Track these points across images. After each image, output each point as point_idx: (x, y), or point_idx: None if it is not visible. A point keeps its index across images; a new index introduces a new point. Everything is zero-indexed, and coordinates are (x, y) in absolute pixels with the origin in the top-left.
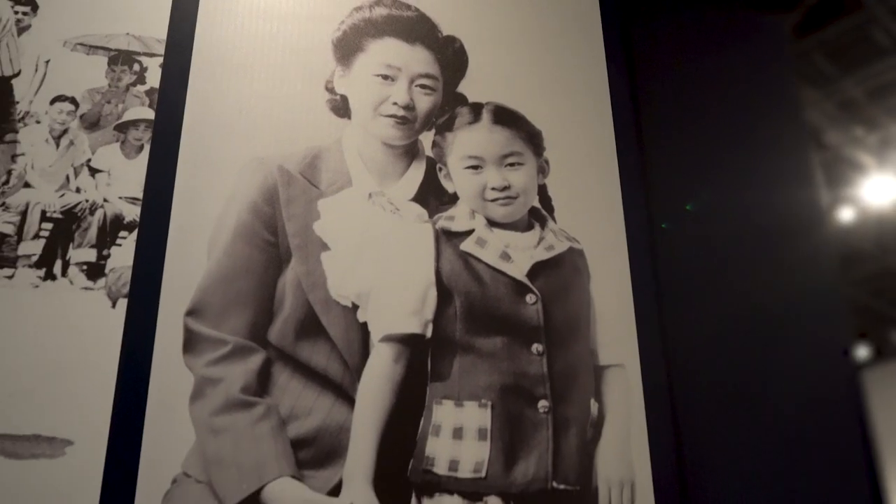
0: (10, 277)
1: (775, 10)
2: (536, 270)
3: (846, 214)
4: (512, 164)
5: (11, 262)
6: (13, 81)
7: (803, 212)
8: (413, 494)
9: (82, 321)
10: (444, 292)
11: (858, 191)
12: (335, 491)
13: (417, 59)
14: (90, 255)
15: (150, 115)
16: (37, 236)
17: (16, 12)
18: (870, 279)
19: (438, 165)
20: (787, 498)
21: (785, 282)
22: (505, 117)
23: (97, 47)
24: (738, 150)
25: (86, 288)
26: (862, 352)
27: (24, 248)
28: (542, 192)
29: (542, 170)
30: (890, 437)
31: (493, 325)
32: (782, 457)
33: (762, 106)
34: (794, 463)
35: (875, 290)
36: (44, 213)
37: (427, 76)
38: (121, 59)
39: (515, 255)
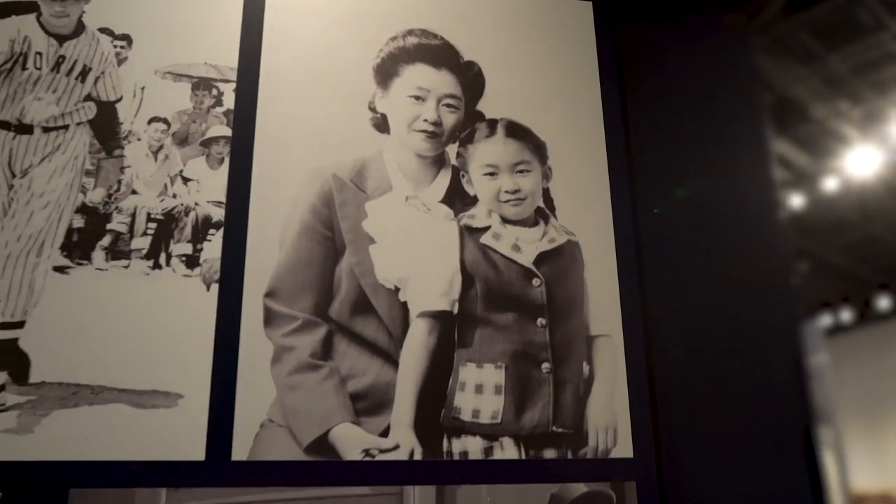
0: (126, 267)
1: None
2: (541, 259)
3: (830, 184)
4: (521, 171)
5: (126, 255)
6: (117, 106)
7: (761, 202)
8: (444, 436)
9: (184, 302)
10: (467, 277)
11: (842, 162)
12: (384, 433)
13: (443, 82)
14: (187, 248)
15: (227, 132)
16: (144, 234)
17: (115, 46)
18: (853, 246)
19: (461, 172)
20: (736, 429)
21: (745, 264)
22: (516, 131)
23: (182, 75)
24: (709, 155)
25: (185, 275)
26: (845, 315)
27: (135, 244)
28: (546, 194)
29: (546, 175)
30: (874, 396)
31: (506, 303)
32: (734, 404)
33: (730, 116)
34: (744, 406)
35: (858, 256)
36: (149, 214)
37: (452, 96)
38: (202, 85)
39: (524, 246)
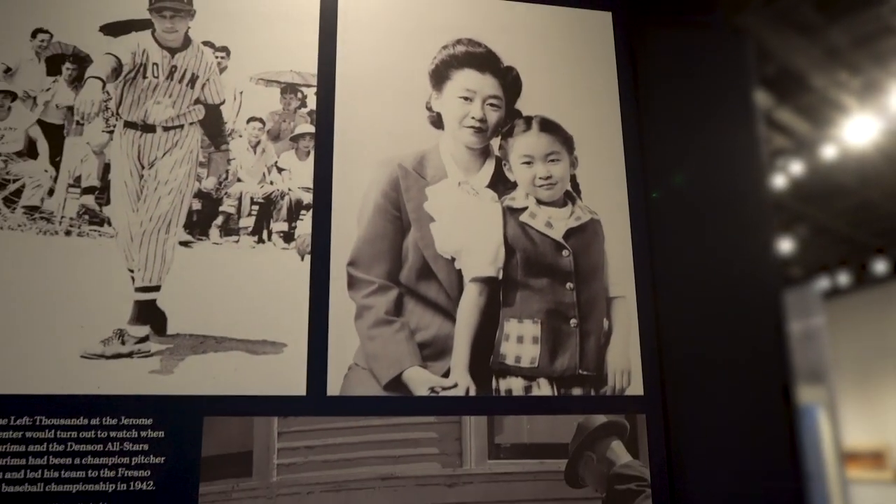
0: (237, 242)
1: None
2: (569, 234)
3: (829, 152)
4: (553, 160)
5: (236, 232)
6: (221, 108)
7: (750, 184)
8: (493, 377)
9: (283, 270)
10: (509, 249)
11: (841, 130)
12: (446, 375)
13: (487, 85)
14: (284, 226)
15: (311, 129)
16: (249, 214)
17: (216, 56)
18: (851, 211)
19: (503, 162)
20: (728, 374)
21: (737, 237)
22: (548, 126)
23: (272, 81)
24: (708, 145)
25: (283, 248)
26: (843, 278)
27: (242, 223)
28: (573, 179)
29: (573, 164)
30: (870, 356)
31: (541, 270)
32: (726, 355)
33: (726, 111)
34: (734, 358)
35: (855, 221)
36: (252, 198)
37: (494, 97)
38: (289, 89)
39: (555, 223)
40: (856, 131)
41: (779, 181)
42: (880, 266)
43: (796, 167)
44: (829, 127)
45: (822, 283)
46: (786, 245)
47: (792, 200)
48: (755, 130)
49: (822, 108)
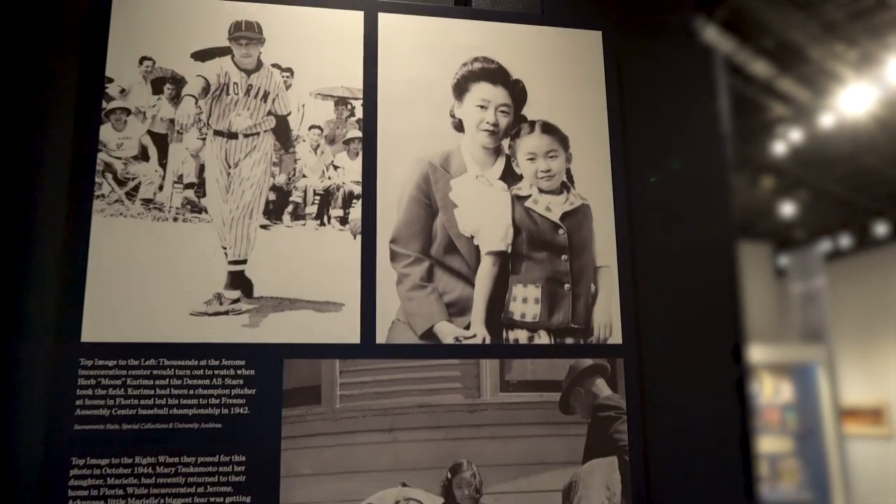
0: (304, 225)
1: None
2: (564, 216)
3: (827, 120)
4: (552, 157)
5: (303, 217)
6: (288, 118)
7: (715, 172)
8: (503, 329)
9: (340, 247)
10: (517, 229)
11: (837, 100)
12: (467, 327)
13: (499, 95)
14: (340, 212)
15: (359, 134)
16: (312, 203)
17: (283, 76)
18: (849, 177)
19: (512, 158)
20: (692, 329)
21: (703, 215)
22: (548, 128)
23: (328, 95)
24: (681, 142)
25: (340, 230)
26: (844, 241)
27: (307, 210)
28: (568, 172)
29: (569, 159)
30: (870, 317)
31: (541, 245)
32: (691, 312)
33: (697, 113)
34: (698, 315)
35: (854, 186)
36: (314, 191)
37: (505, 105)
38: (340, 102)
39: (553, 208)
40: (852, 101)
41: (779, 148)
42: (881, 229)
43: (795, 135)
44: (826, 97)
45: (825, 245)
46: (787, 209)
47: (792, 166)
48: (720, 128)
49: (820, 78)
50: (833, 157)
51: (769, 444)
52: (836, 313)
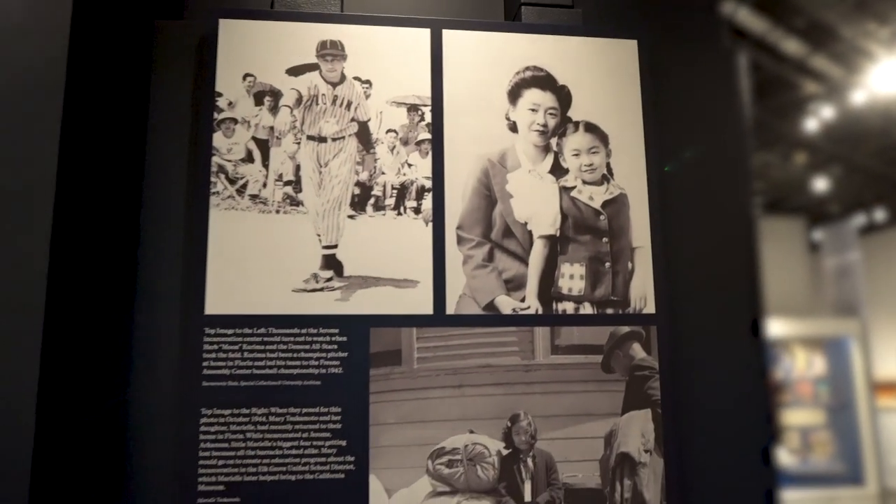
0: (384, 215)
1: None
2: (605, 204)
3: (859, 97)
4: (594, 152)
5: (383, 209)
6: (368, 124)
7: (737, 163)
8: (553, 301)
9: (414, 233)
10: (564, 215)
11: (869, 77)
12: (522, 300)
13: (547, 99)
14: (414, 204)
15: (428, 136)
16: (390, 196)
17: (363, 87)
18: (882, 151)
19: (559, 155)
20: (718, 301)
21: (725, 198)
22: (590, 128)
23: (402, 103)
24: (709, 135)
25: (414, 218)
26: (879, 215)
27: (386, 202)
28: (608, 166)
29: (608, 154)
30: None
31: (585, 230)
32: (718, 286)
33: (723, 111)
34: (723, 290)
35: (888, 160)
36: (392, 186)
37: (553, 108)
38: (412, 108)
39: (595, 197)
40: (884, 77)
41: (811, 124)
42: None
43: (827, 111)
44: (858, 74)
45: (859, 219)
46: (820, 184)
47: (825, 142)
48: (743, 125)
49: (852, 56)
50: (865, 132)
51: (801, 416)
52: (870, 287)
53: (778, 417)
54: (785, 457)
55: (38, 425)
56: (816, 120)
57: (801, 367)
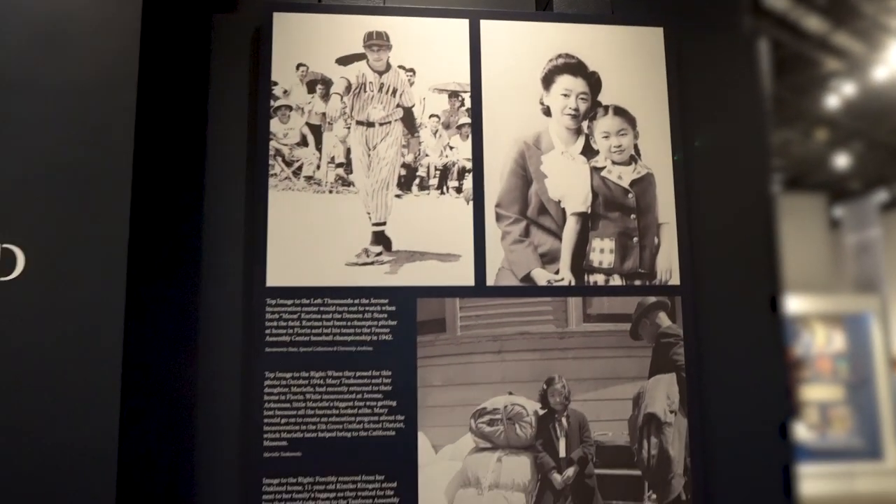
0: (428, 194)
1: None
2: (633, 183)
3: (880, 73)
4: (622, 134)
5: (427, 188)
6: (413, 109)
7: (757, 147)
8: (585, 274)
9: (456, 211)
10: (595, 194)
11: (890, 53)
12: (557, 272)
13: (579, 85)
14: (456, 183)
15: (468, 120)
16: (434, 177)
17: (407, 75)
18: None
19: (590, 137)
20: (737, 273)
21: (745, 176)
22: (619, 111)
23: (443, 89)
24: (730, 116)
25: (456, 197)
26: None
27: (430, 182)
28: (636, 147)
29: (636, 136)
30: None
31: (614, 207)
32: (738, 260)
33: (744, 94)
34: (743, 264)
35: None
36: (435, 167)
37: (584, 94)
38: (453, 95)
39: (624, 177)
40: None
41: (832, 101)
42: None
43: (848, 88)
44: (880, 50)
45: (880, 195)
46: (841, 160)
47: (846, 119)
48: (763, 107)
49: (874, 32)
50: (886, 108)
51: (820, 392)
52: (890, 263)
53: (796, 392)
54: (803, 431)
55: (123, 381)
56: (837, 96)
57: (820, 344)
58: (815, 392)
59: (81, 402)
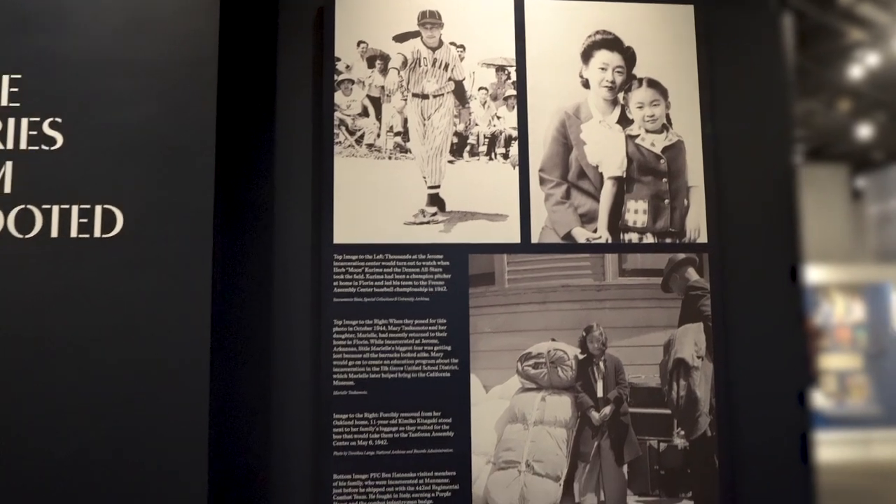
0: (478, 160)
1: None
2: (665, 150)
3: None
4: (655, 105)
5: (477, 154)
6: (463, 82)
7: (782, 114)
8: (620, 232)
9: (504, 175)
10: (629, 160)
11: None
12: (594, 231)
13: (615, 59)
14: (503, 150)
15: (514, 92)
16: (483, 144)
17: (458, 51)
18: None
19: (625, 107)
20: (762, 236)
21: (770, 143)
22: (652, 84)
23: (491, 64)
24: (758, 91)
25: (503, 163)
26: None
27: (480, 149)
28: (667, 117)
29: (668, 107)
30: None
31: (648, 172)
32: (763, 219)
33: (769, 66)
34: (766, 229)
35: None
36: (484, 135)
37: (620, 67)
38: (500, 69)
39: (657, 144)
40: None
41: (855, 71)
42: None
43: (872, 58)
44: None
45: None
46: (864, 131)
47: (869, 89)
48: (787, 80)
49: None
50: None
51: (839, 360)
52: None
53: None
54: (821, 399)
55: (212, 325)
56: (861, 67)
57: (839, 313)
58: (834, 361)
59: (175, 344)
